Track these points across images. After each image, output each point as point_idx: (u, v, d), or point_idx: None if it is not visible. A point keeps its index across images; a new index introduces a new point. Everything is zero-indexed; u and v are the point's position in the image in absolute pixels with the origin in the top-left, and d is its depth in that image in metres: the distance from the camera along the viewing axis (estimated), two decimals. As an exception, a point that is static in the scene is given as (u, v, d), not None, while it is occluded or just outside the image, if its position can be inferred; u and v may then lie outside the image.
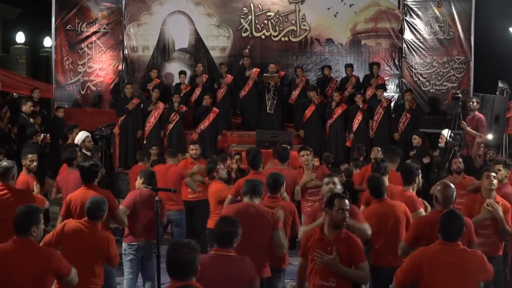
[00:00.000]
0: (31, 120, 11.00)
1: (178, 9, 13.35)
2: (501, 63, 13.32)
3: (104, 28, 13.18)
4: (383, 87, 12.54)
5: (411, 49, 13.32)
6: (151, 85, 12.49)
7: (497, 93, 11.74)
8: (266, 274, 5.15)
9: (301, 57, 13.47)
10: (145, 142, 11.79)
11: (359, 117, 11.84)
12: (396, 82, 13.44)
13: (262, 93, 12.40)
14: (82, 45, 13.10)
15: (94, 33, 13.13)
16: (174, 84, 13.11)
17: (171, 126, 11.78)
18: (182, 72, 12.83)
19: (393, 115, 12.37)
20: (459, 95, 9.76)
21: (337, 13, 13.39)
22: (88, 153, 8.43)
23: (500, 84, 11.86)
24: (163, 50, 13.36)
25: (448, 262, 4.14)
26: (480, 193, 5.78)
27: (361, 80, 13.07)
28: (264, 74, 12.31)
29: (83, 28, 13.10)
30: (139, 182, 6.40)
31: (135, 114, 11.98)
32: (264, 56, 13.33)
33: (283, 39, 13.44)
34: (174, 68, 13.29)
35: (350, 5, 13.39)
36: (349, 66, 12.92)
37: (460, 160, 7.60)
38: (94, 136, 9.08)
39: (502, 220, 5.49)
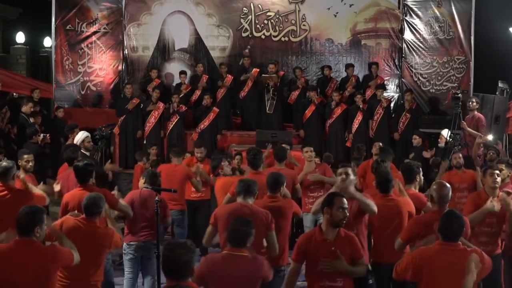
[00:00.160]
0: (31, 120, 11.01)
1: (178, 9, 13.35)
2: (501, 63, 13.31)
3: (104, 28, 13.18)
4: (383, 87, 12.53)
5: (411, 49, 13.32)
6: (151, 86, 12.48)
7: (497, 93, 11.74)
8: None
9: (301, 57, 13.47)
10: (145, 142, 11.79)
11: (359, 117, 11.84)
12: (396, 82, 13.43)
13: (262, 93, 12.40)
14: (82, 45, 13.10)
15: (94, 33, 13.13)
16: (174, 84, 13.11)
17: (171, 126, 11.78)
18: (182, 72, 12.83)
19: (393, 115, 12.37)
20: (459, 95, 9.77)
21: (337, 13, 13.39)
22: (88, 153, 8.43)
23: (500, 84, 11.86)
24: (163, 50, 13.36)
25: (448, 263, 4.14)
26: (483, 189, 5.77)
27: (360, 80, 13.07)
28: (263, 75, 12.32)
29: (83, 28, 13.10)
30: (141, 182, 6.42)
31: (135, 114, 11.98)
32: (264, 56, 13.32)
33: (283, 39, 13.44)
34: (174, 68, 13.29)
35: (350, 5, 13.38)
36: (350, 66, 12.91)
37: (460, 155, 7.62)
38: (94, 136, 9.08)
39: None
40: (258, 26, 13.39)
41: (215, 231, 5.21)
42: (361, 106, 11.86)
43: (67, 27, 13.03)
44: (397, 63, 13.42)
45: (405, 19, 13.34)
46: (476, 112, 10.26)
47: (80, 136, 9.12)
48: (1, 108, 11.36)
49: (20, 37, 16.27)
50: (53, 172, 10.62)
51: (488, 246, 5.40)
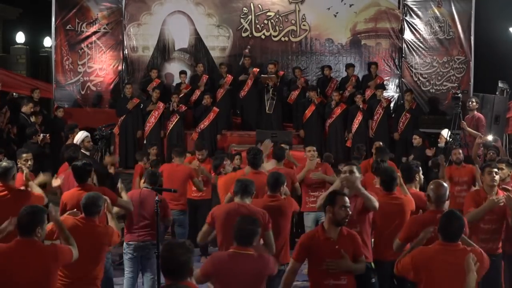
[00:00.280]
0: (31, 120, 11.01)
1: (178, 9, 13.35)
2: (501, 63, 13.31)
3: (104, 28, 13.18)
4: (383, 87, 12.54)
5: (411, 49, 13.32)
6: (150, 86, 12.47)
7: (497, 93, 11.75)
8: None
9: (301, 57, 13.47)
10: (145, 142, 11.79)
11: (359, 117, 11.84)
12: (396, 82, 13.44)
13: (262, 93, 12.40)
14: (82, 45, 13.10)
15: (94, 33, 13.13)
16: (174, 84, 13.11)
17: (171, 126, 11.78)
18: (182, 72, 12.83)
19: (393, 115, 12.37)
20: (459, 95, 9.78)
21: (337, 13, 13.39)
22: (88, 153, 8.42)
23: (500, 84, 11.87)
24: (163, 50, 13.36)
25: (448, 263, 4.13)
26: (482, 188, 5.75)
27: (360, 80, 13.06)
28: (262, 75, 12.32)
29: (83, 28, 13.10)
30: (142, 181, 6.43)
31: (135, 114, 11.98)
32: (264, 56, 13.33)
33: (283, 39, 13.44)
34: (174, 68, 13.29)
35: (350, 5, 13.39)
36: (350, 66, 12.91)
37: (460, 151, 7.63)
38: (94, 136, 9.07)
39: None
40: (258, 26, 13.39)
41: (211, 230, 5.21)
42: (361, 106, 11.86)
43: (67, 27, 13.03)
44: (397, 63, 13.43)
45: (405, 19, 13.34)
46: (476, 112, 10.27)
47: (80, 136, 9.11)
48: (1, 108, 11.35)
49: (20, 37, 16.27)
50: (53, 172, 10.64)
51: (489, 243, 5.39)
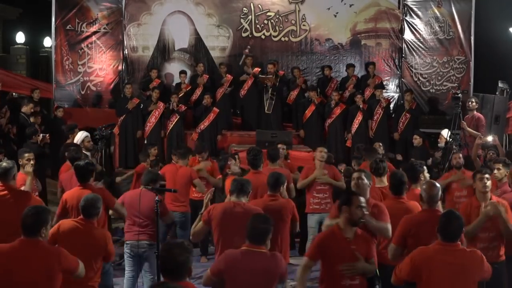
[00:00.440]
0: (31, 120, 11.01)
1: (178, 9, 13.34)
2: (501, 63, 13.31)
3: (104, 28, 13.18)
4: (382, 87, 12.54)
5: (411, 49, 13.33)
6: (151, 86, 12.46)
7: (497, 93, 11.75)
8: None
9: (301, 57, 13.47)
10: (145, 142, 11.78)
11: (359, 117, 11.84)
12: (396, 82, 13.45)
13: (262, 93, 12.41)
14: (82, 45, 13.10)
15: (94, 33, 13.13)
16: (174, 84, 13.11)
17: (171, 126, 11.78)
18: (182, 72, 12.82)
19: (393, 115, 12.37)
20: (459, 95, 9.77)
21: (337, 13, 13.40)
22: (88, 153, 8.43)
23: (500, 84, 11.87)
24: (163, 50, 13.36)
25: (448, 263, 4.14)
26: (474, 196, 5.60)
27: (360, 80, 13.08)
28: (260, 76, 12.33)
29: (83, 28, 13.09)
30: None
31: (135, 114, 11.98)
32: (264, 56, 13.33)
33: (283, 39, 13.44)
34: (174, 68, 13.29)
35: (350, 5, 13.40)
36: (350, 66, 12.91)
37: (460, 155, 7.59)
38: (94, 136, 9.08)
39: (505, 221, 5.23)
40: (258, 26, 13.39)
41: (206, 229, 5.21)
42: (361, 106, 11.87)
43: (67, 27, 13.02)
44: (397, 63, 13.44)
45: (405, 19, 13.35)
46: (475, 112, 10.26)
47: (80, 136, 9.13)
48: (1, 108, 11.35)
49: (20, 37, 16.26)
50: (53, 172, 10.65)
51: (489, 251, 5.20)
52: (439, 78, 13.26)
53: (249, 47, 13.33)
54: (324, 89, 12.84)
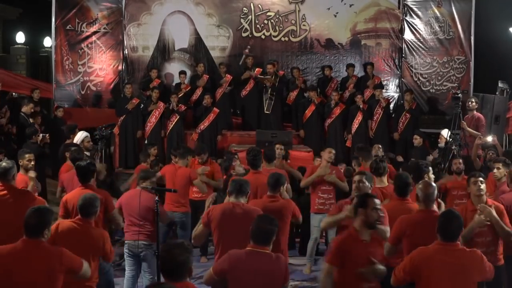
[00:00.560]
0: (31, 120, 11.01)
1: (178, 9, 13.34)
2: (501, 63, 13.31)
3: (104, 28, 13.18)
4: (381, 87, 12.54)
5: (411, 49, 13.33)
6: (152, 85, 12.47)
7: (497, 93, 11.75)
8: None
9: (301, 57, 13.47)
10: (146, 142, 11.78)
11: (359, 117, 11.84)
12: (396, 82, 13.45)
13: (262, 93, 12.41)
14: (82, 45, 13.10)
15: (94, 33, 13.13)
16: (174, 84, 13.11)
17: (171, 126, 11.78)
18: (182, 72, 12.82)
19: (392, 115, 12.37)
20: (459, 95, 9.76)
21: (337, 13, 13.40)
22: (88, 153, 8.43)
23: (500, 84, 11.87)
24: (163, 50, 13.36)
25: (447, 263, 4.14)
26: (470, 200, 5.58)
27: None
28: (258, 76, 12.32)
29: (83, 28, 13.09)
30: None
31: (135, 114, 11.97)
32: (264, 56, 13.32)
33: (283, 39, 13.44)
34: (174, 68, 13.29)
35: (350, 5, 13.40)
36: (350, 66, 12.91)
37: (461, 161, 7.58)
38: (94, 136, 9.08)
39: (497, 221, 5.22)
40: (258, 26, 13.39)
41: (207, 231, 5.20)
42: (361, 106, 11.86)
43: (67, 27, 13.02)
44: (397, 63, 13.44)
45: (405, 19, 13.35)
46: (475, 112, 10.26)
47: (80, 136, 9.13)
48: (1, 108, 11.35)
49: (20, 37, 16.25)
50: (53, 172, 10.65)
51: (487, 256, 4.96)
52: (439, 78, 13.26)
53: (249, 47, 13.33)
54: (324, 89, 12.84)
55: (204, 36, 13.38)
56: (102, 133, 8.77)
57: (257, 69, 12.59)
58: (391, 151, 11.46)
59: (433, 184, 5.07)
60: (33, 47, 16.87)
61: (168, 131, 11.82)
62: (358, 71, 13.22)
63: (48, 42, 16.32)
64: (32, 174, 6.72)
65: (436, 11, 13.21)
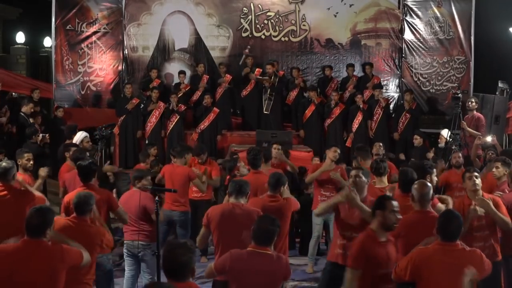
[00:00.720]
0: (31, 120, 11.01)
1: (178, 9, 13.34)
2: (501, 63, 13.32)
3: (104, 28, 13.18)
4: (380, 87, 12.54)
5: (411, 49, 13.33)
6: (152, 85, 12.47)
7: (497, 93, 11.75)
8: None
9: (301, 57, 13.47)
10: (146, 142, 11.78)
11: (359, 118, 11.84)
12: (396, 82, 13.45)
13: (262, 93, 12.40)
14: (82, 45, 13.10)
15: (94, 33, 13.13)
16: (173, 84, 13.11)
17: (171, 125, 11.78)
18: (181, 72, 12.82)
19: (392, 115, 12.37)
20: (459, 95, 9.76)
21: (337, 13, 13.39)
22: (87, 154, 8.42)
23: (500, 84, 11.86)
24: (163, 50, 13.36)
25: (447, 263, 4.14)
26: (466, 194, 5.61)
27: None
28: (257, 77, 12.32)
29: (83, 28, 13.09)
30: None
31: (135, 114, 11.98)
32: (264, 56, 13.32)
33: (283, 39, 13.44)
34: (174, 68, 13.29)
35: (350, 5, 13.39)
36: (350, 66, 12.91)
37: (460, 154, 7.59)
38: (94, 136, 9.07)
39: (495, 213, 5.26)
40: (258, 26, 13.39)
41: (208, 232, 5.20)
42: (361, 106, 11.86)
43: (67, 27, 13.02)
44: (397, 63, 13.43)
45: (405, 19, 13.35)
46: (475, 112, 10.26)
47: (79, 136, 9.13)
48: (1, 108, 11.36)
49: (20, 37, 16.26)
50: (53, 172, 10.64)
51: (485, 250, 5.12)
52: (439, 78, 13.25)
53: (249, 47, 13.32)
54: (324, 89, 12.84)
55: (204, 36, 13.37)
56: (102, 133, 8.75)
57: (257, 69, 12.59)
58: (391, 151, 11.47)
59: (429, 184, 5.05)
60: (33, 47, 16.87)
61: (168, 131, 11.82)
62: (358, 71, 13.22)
63: (48, 42, 16.32)
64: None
65: (436, 11, 13.20)
